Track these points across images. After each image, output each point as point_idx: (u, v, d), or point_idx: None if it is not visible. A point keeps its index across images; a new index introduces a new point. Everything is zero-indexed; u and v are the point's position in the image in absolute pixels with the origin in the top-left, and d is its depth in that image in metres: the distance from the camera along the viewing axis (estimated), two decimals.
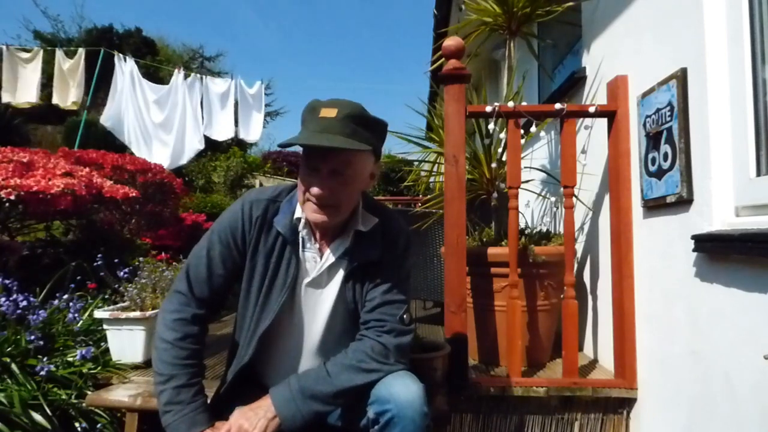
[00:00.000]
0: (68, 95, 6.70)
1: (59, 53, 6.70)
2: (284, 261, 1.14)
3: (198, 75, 7.26)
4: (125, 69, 6.68)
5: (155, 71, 9.61)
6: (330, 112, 1.02)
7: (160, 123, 6.78)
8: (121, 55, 6.81)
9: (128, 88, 6.62)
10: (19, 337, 1.82)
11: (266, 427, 1.00)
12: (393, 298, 1.15)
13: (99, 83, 6.96)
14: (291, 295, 1.15)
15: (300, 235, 1.15)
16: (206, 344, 1.18)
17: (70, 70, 6.66)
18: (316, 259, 1.16)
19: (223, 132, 7.24)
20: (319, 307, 1.18)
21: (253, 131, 7.49)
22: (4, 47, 6.37)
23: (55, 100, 6.72)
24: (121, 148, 6.38)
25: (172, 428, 1.05)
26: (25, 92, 6.49)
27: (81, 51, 6.77)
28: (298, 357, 1.19)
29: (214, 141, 7.66)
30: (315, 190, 1.05)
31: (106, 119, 6.53)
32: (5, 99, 6.44)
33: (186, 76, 7.01)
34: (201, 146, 7.02)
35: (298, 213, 1.14)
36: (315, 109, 1.05)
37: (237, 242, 1.14)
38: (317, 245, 1.17)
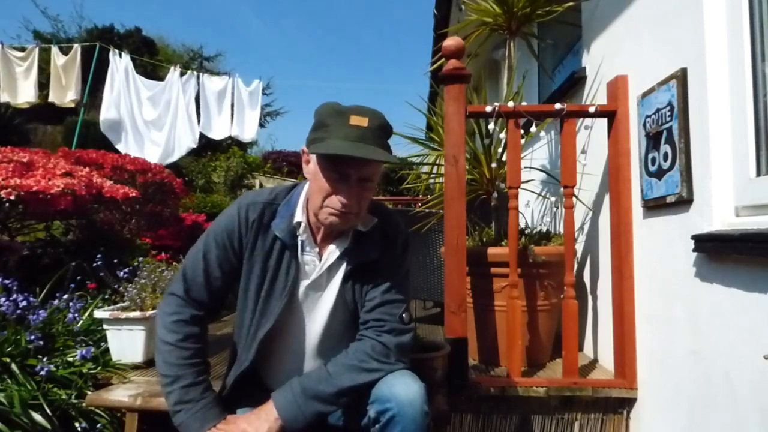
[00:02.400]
0: (65, 93, 6.61)
1: (54, 49, 6.61)
2: (283, 265, 1.14)
3: (194, 72, 7.17)
4: (120, 65, 6.62)
5: (155, 71, 9.60)
6: (362, 121, 1.03)
7: (152, 121, 6.71)
8: (116, 50, 6.75)
9: (122, 84, 6.57)
10: (19, 337, 1.82)
11: (269, 430, 1.01)
12: (392, 298, 1.15)
13: (96, 81, 6.92)
14: (291, 298, 1.14)
15: (299, 238, 1.15)
16: (208, 343, 1.18)
17: (66, 66, 6.57)
18: (315, 261, 1.16)
19: (220, 131, 7.14)
20: (318, 308, 1.18)
21: (248, 130, 7.34)
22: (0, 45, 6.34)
23: (51, 98, 6.62)
24: None
25: (185, 426, 1.05)
26: (24, 92, 6.42)
27: (76, 47, 6.67)
28: (298, 359, 1.19)
29: (214, 141, 7.62)
30: (344, 198, 1.05)
31: (103, 121, 6.48)
32: (3, 99, 6.37)
33: (182, 74, 6.96)
34: (194, 145, 6.91)
35: (298, 216, 1.14)
36: (342, 115, 1.04)
37: (233, 245, 1.14)
38: (317, 248, 1.17)
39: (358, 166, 1.04)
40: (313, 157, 1.10)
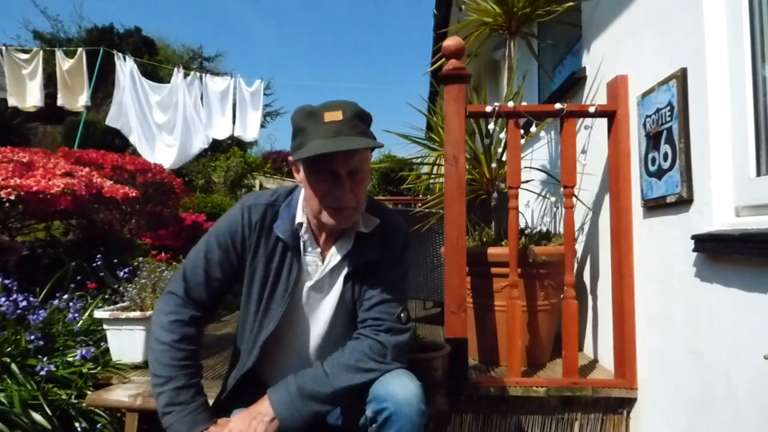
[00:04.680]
0: (75, 98, 6.67)
1: (59, 53, 6.64)
2: (285, 266, 1.14)
3: (197, 74, 7.21)
4: (125, 69, 6.66)
5: (155, 71, 9.60)
6: (335, 115, 1.02)
7: (162, 124, 6.77)
8: (120, 55, 6.78)
9: (130, 89, 6.61)
10: (19, 337, 1.82)
11: (265, 431, 1.01)
12: (390, 297, 1.15)
13: (98, 83, 6.94)
14: (293, 300, 1.14)
15: (301, 239, 1.14)
16: (206, 345, 1.18)
17: (72, 71, 6.61)
18: (318, 262, 1.16)
19: (222, 131, 7.20)
20: (321, 310, 1.18)
21: (250, 130, 7.41)
22: (3, 48, 6.31)
23: (60, 102, 6.67)
24: (121, 149, 6.40)
25: (174, 429, 1.04)
26: (31, 96, 6.47)
27: (81, 51, 6.71)
28: (301, 360, 1.19)
29: (215, 140, 7.64)
30: (340, 197, 1.04)
31: (113, 120, 6.51)
32: (11, 102, 6.43)
33: (186, 75, 6.99)
34: (206, 145, 7.03)
35: (299, 217, 1.14)
36: (315, 115, 1.03)
37: (236, 247, 1.13)
38: (319, 249, 1.16)
39: (344, 161, 1.03)
40: (301, 165, 1.10)
